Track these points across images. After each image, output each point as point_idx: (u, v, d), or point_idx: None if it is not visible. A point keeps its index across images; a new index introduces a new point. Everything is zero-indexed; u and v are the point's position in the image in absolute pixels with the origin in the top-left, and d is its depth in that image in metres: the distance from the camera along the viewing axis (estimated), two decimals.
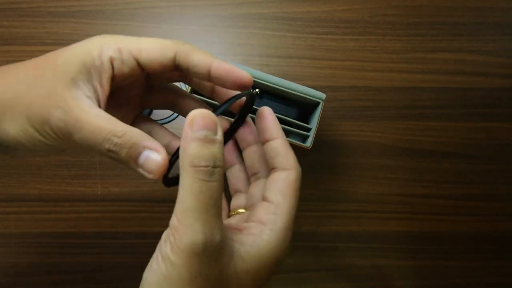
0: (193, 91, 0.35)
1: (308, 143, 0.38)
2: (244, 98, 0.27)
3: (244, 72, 0.23)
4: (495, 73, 0.52)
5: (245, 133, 0.28)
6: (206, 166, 0.19)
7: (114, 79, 0.23)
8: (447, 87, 0.52)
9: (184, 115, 0.28)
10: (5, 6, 0.50)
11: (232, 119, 0.29)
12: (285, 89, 0.38)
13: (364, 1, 0.52)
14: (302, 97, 0.38)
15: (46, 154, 0.26)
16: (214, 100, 0.30)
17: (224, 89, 0.26)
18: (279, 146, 0.25)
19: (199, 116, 0.20)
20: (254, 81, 0.37)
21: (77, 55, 0.22)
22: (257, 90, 0.39)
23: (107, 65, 0.22)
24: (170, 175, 0.24)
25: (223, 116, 0.30)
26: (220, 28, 0.51)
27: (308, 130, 0.39)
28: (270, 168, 0.25)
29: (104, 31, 0.49)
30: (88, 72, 0.22)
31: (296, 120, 0.39)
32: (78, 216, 0.48)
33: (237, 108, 0.28)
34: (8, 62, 0.50)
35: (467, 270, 0.51)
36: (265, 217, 0.23)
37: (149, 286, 0.20)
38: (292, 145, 0.36)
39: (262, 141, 0.26)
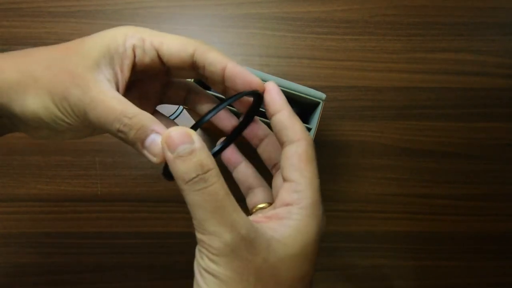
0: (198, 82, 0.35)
1: None
2: (251, 99, 0.27)
3: (255, 78, 0.24)
4: (495, 73, 0.52)
5: (254, 129, 0.28)
6: (197, 176, 0.20)
7: (135, 67, 0.24)
8: (447, 87, 0.52)
9: (197, 111, 0.29)
10: (5, 6, 0.50)
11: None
12: (285, 89, 0.38)
13: (364, 1, 0.52)
14: (302, 97, 0.38)
15: (55, 138, 0.27)
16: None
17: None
18: (284, 118, 0.24)
19: (173, 134, 0.20)
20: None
21: (102, 40, 0.23)
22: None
23: (129, 52, 0.23)
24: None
25: (233, 115, 0.30)
26: (220, 28, 0.51)
27: (308, 130, 0.39)
28: (280, 144, 0.25)
29: None
30: (111, 56, 0.23)
31: None
32: (78, 216, 0.48)
33: (244, 109, 0.28)
34: None
35: (467, 270, 0.51)
36: (289, 198, 0.23)
37: None
38: None
39: (269, 116, 0.25)
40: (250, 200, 0.29)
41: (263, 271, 0.20)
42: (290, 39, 0.51)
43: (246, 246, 0.20)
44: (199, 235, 0.20)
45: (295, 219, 0.22)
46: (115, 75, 0.23)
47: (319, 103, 0.38)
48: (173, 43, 0.24)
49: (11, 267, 0.47)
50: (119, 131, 0.22)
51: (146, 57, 0.24)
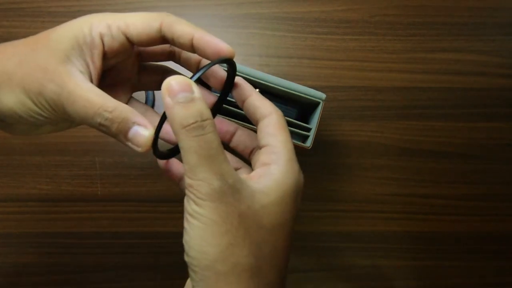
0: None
1: (308, 143, 0.38)
2: (224, 73, 0.28)
3: (223, 44, 0.24)
4: (495, 73, 0.52)
5: (223, 126, 0.29)
6: (195, 122, 0.20)
7: (105, 55, 0.24)
8: (447, 87, 0.52)
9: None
10: (5, 6, 0.50)
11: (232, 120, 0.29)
12: (285, 89, 0.38)
13: (364, 1, 0.52)
14: (302, 97, 0.38)
15: (34, 133, 0.27)
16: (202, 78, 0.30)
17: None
18: (255, 99, 0.26)
19: (173, 82, 0.20)
20: (254, 81, 0.37)
21: (69, 32, 0.23)
22: (257, 90, 0.39)
23: (97, 41, 0.23)
24: (162, 150, 0.25)
25: (211, 92, 0.31)
26: (220, 28, 0.51)
27: (308, 130, 0.39)
28: (255, 123, 0.27)
29: None
30: (80, 48, 0.23)
31: (296, 120, 0.39)
32: (78, 216, 0.48)
33: (219, 84, 0.28)
34: None
35: (467, 270, 0.51)
36: (267, 159, 0.24)
37: (193, 245, 0.22)
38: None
39: (241, 105, 0.27)
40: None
41: (246, 216, 0.22)
42: (290, 39, 0.51)
43: (232, 194, 0.21)
44: (188, 180, 0.21)
45: (274, 173, 0.24)
46: (87, 66, 0.23)
47: (319, 103, 0.38)
48: (138, 22, 0.24)
49: (11, 267, 0.47)
50: (100, 125, 0.23)
51: (115, 43, 0.24)
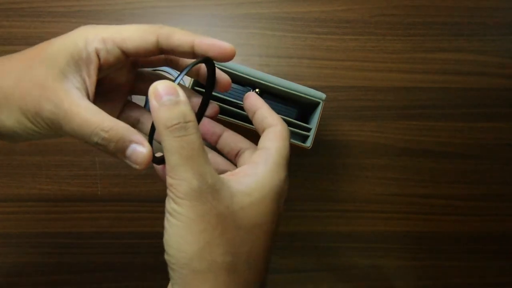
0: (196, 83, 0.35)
1: (308, 143, 0.38)
2: (205, 70, 0.28)
3: (226, 43, 0.25)
4: (495, 73, 0.52)
5: (210, 128, 0.29)
6: (178, 123, 0.21)
7: (100, 67, 0.24)
8: (447, 87, 0.52)
9: None
10: (5, 6, 0.50)
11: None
12: (285, 89, 0.38)
13: (364, 1, 0.52)
14: (302, 97, 0.38)
15: (35, 140, 0.28)
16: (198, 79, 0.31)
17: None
18: (265, 111, 0.27)
19: (159, 86, 0.21)
20: (254, 81, 0.37)
21: (64, 47, 0.23)
22: (257, 90, 0.39)
23: (93, 56, 0.23)
24: (157, 155, 0.26)
25: (192, 90, 0.31)
26: (220, 28, 0.51)
27: (308, 130, 0.39)
28: (260, 132, 0.28)
29: None
30: (76, 63, 0.23)
31: (296, 120, 0.39)
32: (78, 216, 0.48)
33: (203, 79, 0.29)
34: None
35: (467, 270, 0.51)
36: (257, 158, 0.25)
37: (171, 243, 0.22)
38: (292, 145, 0.36)
39: (251, 116, 0.28)
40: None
41: (225, 216, 0.22)
42: (290, 39, 0.51)
43: (211, 193, 0.21)
44: (169, 180, 0.22)
45: (259, 173, 0.24)
46: (84, 82, 0.24)
47: (319, 103, 0.39)
48: (134, 37, 0.24)
49: (11, 267, 0.47)
50: (97, 144, 0.23)
51: (110, 57, 0.24)
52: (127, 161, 0.24)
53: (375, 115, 0.51)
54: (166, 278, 0.23)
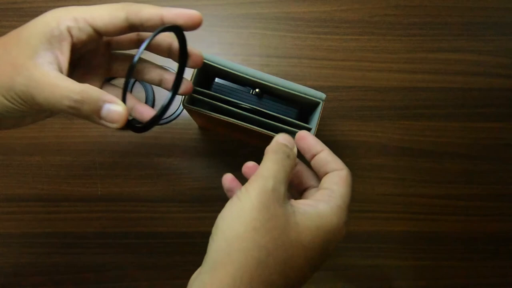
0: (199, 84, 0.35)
1: None
2: (176, 46, 0.29)
3: (193, 11, 0.26)
4: (495, 73, 0.52)
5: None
6: (284, 152, 0.26)
7: (74, 46, 0.25)
8: (447, 87, 0.52)
9: (145, 80, 0.32)
10: (5, 6, 0.50)
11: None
12: (285, 89, 0.38)
13: (364, 1, 0.52)
14: (302, 97, 0.38)
15: (17, 126, 0.30)
16: (171, 58, 0.32)
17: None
18: (328, 155, 0.29)
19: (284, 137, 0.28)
20: (254, 81, 0.37)
21: (37, 28, 0.24)
22: (257, 90, 0.39)
23: (65, 34, 0.25)
24: (137, 125, 0.28)
25: (165, 69, 0.32)
26: (220, 28, 0.51)
27: (308, 130, 0.39)
28: (321, 174, 0.29)
29: None
30: (48, 41, 0.24)
31: (296, 120, 0.39)
32: (78, 216, 0.48)
33: (166, 53, 0.30)
34: None
35: (467, 270, 0.51)
36: (320, 196, 0.27)
37: (225, 216, 0.24)
38: None
39: (309, 158, 0.30)
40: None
41: (280, 221, 0.24)
42: (290, 39, 0.51)
43: (278, 199, 0.24)
44: (252, 177, 0.25)
45: (321, 207, 0.26)
46: (56, 58, 0.24)
47: (319, 103, 0.38)
48: (104, 14, 0.25)
49: (11, 267, 0.47)
50: (70, 107, 0.24)
51: (83, 35, 0.25)
52: (103, 122, 0.25)
53: (375, 115, 0.51)
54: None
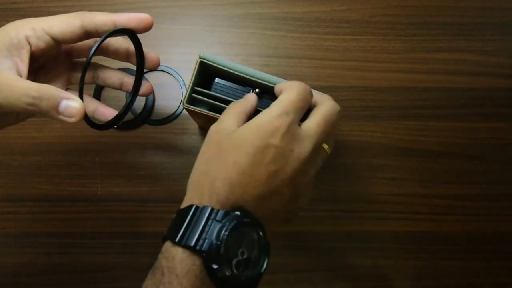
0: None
1: None
2: (133, 49, 0.31)
3: (143, 14, 0.29)
4: (495, 73, 0.52)
5: None
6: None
7: (34, 54, 0.27)
8: (447, 87, 0.52)
9: (107, 85, 0.34)
10: (5, 6, 0.50)
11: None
12: None
13: (364, 1, 0.52)
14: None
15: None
16: (130, 62, 0.34)
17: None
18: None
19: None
20: (254, 81, 0.37)
21: None
22: (257, 90, 0.39)
23: (23, 42, 0.26)
24: (99, 123, 0.30)
25: (125, 73, 0.34)
26: (220, 28, 0.51)
27: None
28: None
29: None
30: (7, 49, 0.26)
31: None
32: (78, 216, 0.48)
33: (124, 56, 0.32)
34: None
35: (467, 270, 0.51)
36: None
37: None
38: None
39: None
40: None
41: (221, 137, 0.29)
42: (290, 39, 0.51)
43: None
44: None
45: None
46: (15, 64, 0.26)
47: None
48: (60, 22, 0.28)
49: (11, 267, 0.47)
50: (29, 104, 0.25)
51: (41, 43, 0.27)
52: (61, 117, 0.26)
53: (375, 115, 0.51)
54: None
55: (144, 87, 0.34)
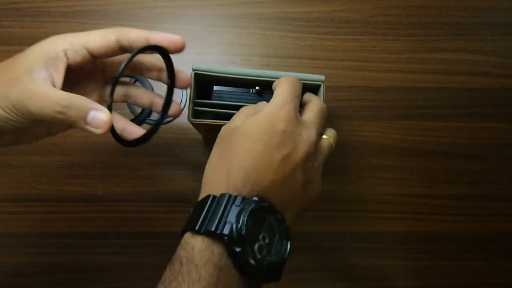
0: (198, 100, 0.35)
1: None
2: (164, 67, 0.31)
3: (176, 36, 0.30)
4: (495, 73, 0.52)
5: None
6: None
7: (70, 67, 0.28)
8: (447, 87, 0.52)
9: (138, 104, 0.35)
10: (5, 6, 0.50)
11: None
12: None
13: (364, 1, 0.52)
14: (302, 83, 0.38)
15: (16, 143, 0.32)
16: (161, 81, 0.34)
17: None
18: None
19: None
20: (251, 80, 0.37)
21: (36, 50, 0.28)
22: (257, 87, 0.39)
23: (61, 55, 0.27)
24: (127, 140, 0.31)
25: (156, 93, 0.35)
26: (220, 28, 0.51)
27: None
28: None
29: None
30: (45, 61, 0.27)
31: (300, 108, 0.39)
32: (78, 216, 0.48)
33: (157, 75, 0.33)
34: None
35: (467, 270, 0.51)
36: None
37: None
38: None
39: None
40: None
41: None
42: (290, 39, 0.51)
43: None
44: None
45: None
46: (51, 75, 0.27)
47: (319, 85, 0.39)
48: (96, 37, 0.28)
49: (11, 267, 0.47)
50: (58, 112, 0.26)
51: (78, 56, 0.28)
52: (88, 127, 0.27)
53: (375, 115, 0.51)
54: None
55: (173, 108, 0.34)
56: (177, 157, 0.49)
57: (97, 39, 0.28)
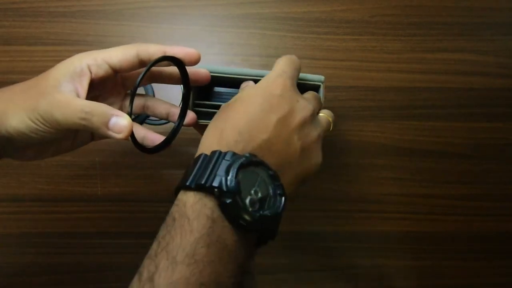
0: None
1: None
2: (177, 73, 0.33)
3: (192, 49, 0.31)
4: (495, 73, 0.52)
5: None
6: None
7: (93, 81, 0.30)
8: (447, 87, 0.52)
9: (155, 115, 0.37)
10: (5, 6, 0.50)
11: None
12: None
13: (364, 1, 0.52)
14: (302, 83, 0.38)
15: (40, 157, 0.34)
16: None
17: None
18: None
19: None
20: (251, 79, 0.37)
21: (63, 66, 0.30)
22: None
23: (85, 70, 0.30)
24: (148, 147, 0.33)
25: (172, 104, 0.36)
26: (220, 28, 0.51)
27: None
28: None
29: (104, 31, 0.49)
30: (71, 76, 0.29)
31: None
32: (78, 216, 0.48)
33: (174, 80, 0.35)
34: (8, 62, 0.50)
35: (467, 270, 0.51)
36: None
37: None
38: None
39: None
40: None
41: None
42: (290, 39, 0.51)
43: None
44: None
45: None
46: (76, 89, 0.29)
47: (319, 86, 0.39)
48: (117, 52, 0.30)
49: (11, 267, 0.47)
50: (82, 119, 0.28)
51: (100, 71, 0.30)
52: (110, 133, 0.28)
53: (375, 115, 0.51)
54: None
55: (189, 117, 0.36)
56: (177, 157, 0.49)
57: (118, 54, 0.30)
